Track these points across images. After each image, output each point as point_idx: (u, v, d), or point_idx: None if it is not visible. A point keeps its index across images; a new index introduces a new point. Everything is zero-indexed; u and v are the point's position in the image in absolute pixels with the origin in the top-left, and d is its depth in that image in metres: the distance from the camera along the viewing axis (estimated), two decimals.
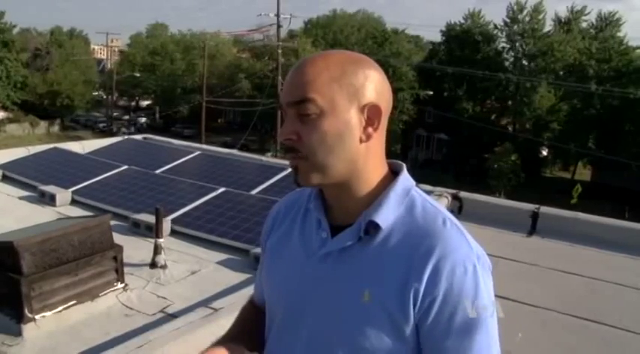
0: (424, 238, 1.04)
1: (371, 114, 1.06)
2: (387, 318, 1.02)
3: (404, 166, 1.16)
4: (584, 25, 40.82)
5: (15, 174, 6.45)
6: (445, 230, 1.05)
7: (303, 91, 1.03)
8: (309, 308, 1.11)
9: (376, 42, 43.82)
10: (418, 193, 1.12)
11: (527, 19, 38.94)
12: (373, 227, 1.07)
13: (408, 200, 1.10)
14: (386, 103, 1.08)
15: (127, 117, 52.84)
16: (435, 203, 1.12)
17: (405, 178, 1.13)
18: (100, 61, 63.05)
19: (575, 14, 40.23)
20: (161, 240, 4.17)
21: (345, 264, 1.08)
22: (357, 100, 1.05)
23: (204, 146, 8.85)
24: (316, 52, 1.11)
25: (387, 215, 1.07)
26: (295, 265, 1.15)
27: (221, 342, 1.20)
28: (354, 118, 1.05)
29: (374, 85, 1.06)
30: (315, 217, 1.15)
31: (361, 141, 1.06)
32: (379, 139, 1.10)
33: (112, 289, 3.60)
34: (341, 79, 1.04)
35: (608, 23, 39.45)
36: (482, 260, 1.05)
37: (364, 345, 1.04)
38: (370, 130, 1.07)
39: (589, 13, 40.35)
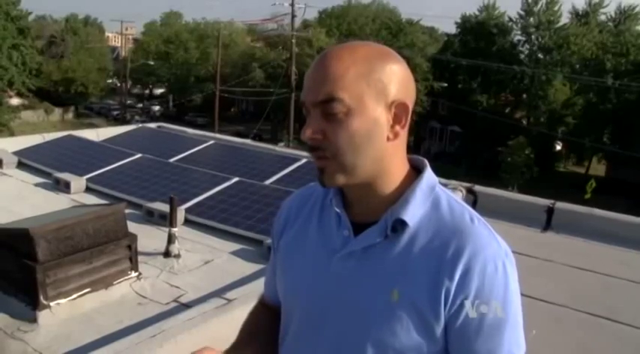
0: (453, 236, 1.02)
1: (398, 111, 1.03)
2: (418, 317, 1.00)
3: (426, 162, 1.13)
4: (602, 17, 40.36)
5: (30, 161, 6.50)
6: (473, 227, 1.03)
7: (329, 89, 0.99)
8: (333, 308, 1.08)
9: (391, 33, 43.61)
10: (442, 190, 1.10)
11: (542, 11, 38.53)
12: (400, 224, 1.04)
13: (434, 197, 1.08)
14: (411, 99, 1.06)
15: (140, 105, 53.03)
16: (460, 200, 1.10)
17: (429, 175, 1.11)
18: (114, 49, 63.14)
19: (594, 7, 39.78)
20: (175, 229, 4.18)
21: (370, 262, 1.06)
22: (385, 98, 1.01)
23: (218, 135, 8.85)
24: (339, 45, 1.06)
25: (413, 212, 1.04)
26: (315, 263, 1.12)
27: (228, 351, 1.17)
28: (382, 117, 1.02)
29: (401, 81, 1.03)
30: (335, 215, 1.12)
31: (388, 139, 1.03)
32: (404, 136, 1.07)
33: (125, 277, 3.62)
34: (369, 76, 1.00)
35: (627, 16, 38.95)
36: (510, 257, 1.04)
37: (394, 345, 1.02)
38: (397, 127, 1.04)
39: (607, 5, 39.91)
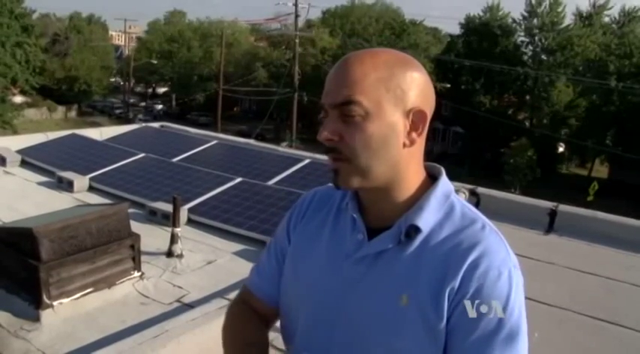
0: (463, 241, 1.02)
1: (416, 119, 1.04)
2: (423, 320, 1.00)
3: (442, 169, 1.14)
4: (606, 19, 40.31)
5: (34, 159, 6.51)
6: (484, 234, 1.04)
7: (349, 91, 1.00)
8: (344, 310, 1.08)
9: (394, 33, 43.55)
10: (457, 198, 1.11)
11: (546, 12, 38.48)
12: (414, 231, 1.05)
13: (448, 205, 1.08)
14: (430, 107, 1.07)
15: (143, 104, 53.10)
16: (474, 209, 1.11)
17: (445, 183, 1.11)
18: (117, 48, 63.20)
19: (598, 9, 39.72)
20: (178, 229, 4.19)
21: (382, 267, 1.06)
22: (403, 104, 1.02)
23: (221, 135, 8.86)
24: (360, 50, 1.07)
25: (427, 219, 1.05)
26: (327, 265, 1.13)
27: None
28: (400, 123, 1.03)
29: (420, 88, 1.04)
30: (350, 219, 1.13)
31: (404, 146, 1.04)
32: (421, 143, 1.08)
33: (128, 277, 3.62)
34: (389, 81, 1.01)
35: (632, 18, 38.89)
36: (517, 271, 1.03)
37: (400, 347, 1.02)
38: (414, 135, 1.05)
39: (611, 7, 39.86)
